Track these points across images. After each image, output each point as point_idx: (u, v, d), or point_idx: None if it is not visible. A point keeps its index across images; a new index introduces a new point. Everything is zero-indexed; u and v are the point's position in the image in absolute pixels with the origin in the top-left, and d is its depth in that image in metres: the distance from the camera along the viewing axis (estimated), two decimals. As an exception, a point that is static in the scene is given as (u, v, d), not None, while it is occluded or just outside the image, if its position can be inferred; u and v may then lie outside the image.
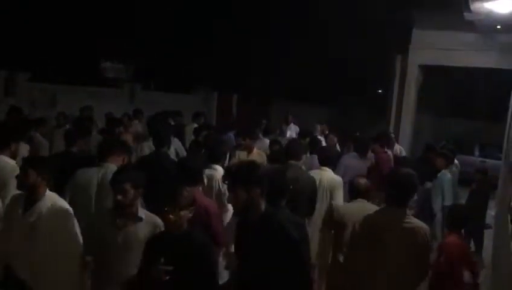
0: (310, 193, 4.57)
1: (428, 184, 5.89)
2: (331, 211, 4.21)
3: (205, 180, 4.40)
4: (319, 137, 8.33)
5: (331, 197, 4.86)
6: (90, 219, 3.53)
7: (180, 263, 2.92)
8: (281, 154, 5.00)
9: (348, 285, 3.46)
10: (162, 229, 3.15)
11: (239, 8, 15.10)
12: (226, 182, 3.00)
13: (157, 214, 3.24)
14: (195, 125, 8.88)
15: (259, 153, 6.40)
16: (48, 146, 6.71)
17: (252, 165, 2.93)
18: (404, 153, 8.62)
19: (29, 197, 3.35)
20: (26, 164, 3.34)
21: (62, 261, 3.29)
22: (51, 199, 3.39)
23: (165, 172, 4.37)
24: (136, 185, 3.21)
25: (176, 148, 6.67)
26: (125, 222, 3.25)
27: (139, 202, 3.35)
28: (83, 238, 3.37)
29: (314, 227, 4.55)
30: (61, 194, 3.67)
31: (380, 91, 18.08)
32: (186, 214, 2.95)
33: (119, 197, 3.16)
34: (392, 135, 9.06)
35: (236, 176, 2.84)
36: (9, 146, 4.26)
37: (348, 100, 16.34)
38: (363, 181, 4.24)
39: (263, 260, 2.76)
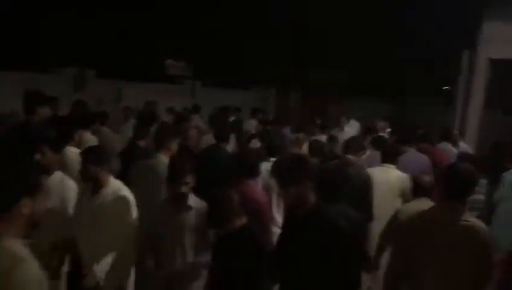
0: (365, 189, 4.47)
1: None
2: (400, 212, 4.06)
3: (262, 174, 4.44)
4: (382, 134, 8.14)
5: (401, 197, 4.73)
6: (146, 208, 3.68)
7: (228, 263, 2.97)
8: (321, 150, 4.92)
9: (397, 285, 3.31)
10: None
11: (301, 6, 15.01)
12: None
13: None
14: (254, 121, 8.97)
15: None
16: (116, 139, 7.01)
17: (301, 159, 2.89)
18: (470, 151, 8.22)
19: (95, 185, 3.55)
20: (84, 159, 3.51)
21: (118, 245, 3.46)
22: (115, 186, 3.58)
23: (221, 166, 4.45)
24: (193, 176, 3.38)
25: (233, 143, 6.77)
26: (178, 211, 3.42)
27: None
28: (139, 226, 3.54)
29: (376, 226, 4.45)
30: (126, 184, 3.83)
31: (446, 88, 17.34)
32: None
33: (181, 189, 3.33)
34: (456, 132, 8.69)
35: (286, 170, 2.82)
36: (72, 137, 4.50)
37: (413, 96, 15.80)
38: (427, 178, 4.07)
39: (312, 253, 2.73)
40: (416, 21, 13.61)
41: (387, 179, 4.69)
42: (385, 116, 11.52)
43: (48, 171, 3.60)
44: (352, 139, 5.22)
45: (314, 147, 5.53)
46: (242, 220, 3.08)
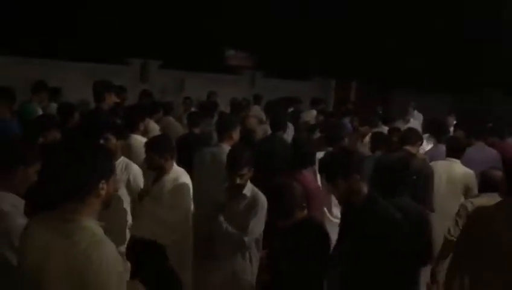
0: (426, 183, 4.34)
1: None
2: (464, 208, 3.92)
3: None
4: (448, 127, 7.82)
5: (466, 192, 4.56)
6: (205, 195, 3.83)
7: (293, 255, 2.99)
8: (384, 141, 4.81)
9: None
10: (265, 206, 3.35)
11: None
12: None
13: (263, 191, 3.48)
14: (313, 111, 8.92)
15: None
16: (181, 128, 7.25)
17: (345, 153, 2.88)
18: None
19: (158, 172, 3.73)
20: (149, 148, 3.67)
21: (175, 229, 3.61)
22: (176, 173, 3.73)
23: (276, 155, 4.50)
24: (250, 168, 3.47)
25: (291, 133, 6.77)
26: (231, 198, 3.55)
27: None
28: (200, 211, 3.72)
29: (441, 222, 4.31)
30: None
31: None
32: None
33: (238, 180, 3.44)
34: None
35: (332, 165, 2.82)
36: (138, 126, 4.70)
37: (486, 89, 14.89)
38: (496, 173, 3.89)
39: (368, 246, 2.70)
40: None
41: (450, 173, 4.53)
42: (454, 109, 11.07)
43: (114, 156, 3.82)
44: (410, 130, 5.09)
45: (376, 139, 5.41)
46: (304, 212, 3.09)
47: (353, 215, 2.82)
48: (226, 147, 4.26)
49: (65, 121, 4.94)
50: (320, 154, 4.60)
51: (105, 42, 12.39)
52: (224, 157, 3.73)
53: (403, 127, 8.02)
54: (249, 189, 3.54)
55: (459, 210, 3.95)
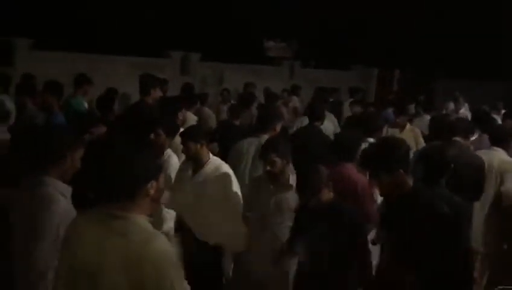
0: (475, 174, 4.20)
1: None
2: (499, 196, 3.84)
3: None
4: (495, 116, 7.52)
5: (502, 181, 4.41)
6: (248, 183, 3.86)
7: (328, 233, 2.99)
8: (441, 131, 4.65)
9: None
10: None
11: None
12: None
13: None
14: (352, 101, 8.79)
15: (412, 130, 6.12)
16: (215, 118, 7.34)
17: (388, 146, 2.77)
18: None
19: (196, 163, 3.74)
20: (184, 137, 3.70)
21: (226, 216, 3.62)
22: (216, 163, 3.76)
23: (315, 145, 4.48)
24: (283, 155, 3.45)
25: (332, 124, 6.71)
26: (277, 188, 3.53)
27: (290, 169, 3.55)
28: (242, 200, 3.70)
29: (479, 213, 4.20)
30: (225, 161, 4.00)
31: None
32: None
33: (268, 167, 3.46)
34: None
35: (375, 160, 2.74)
36: (177, 116, 4.79)
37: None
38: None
39: (414, 238, 2.65)
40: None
41: (490, 163, 4.37)
42: (504, 97, 10.65)
43: (162, 152, 3.91)
44: (460, 120, 4.92)
45: (436, 126, 5.07)
46: (330, 195, 3.07)
47: (397, 209, 2.75)
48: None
49: (105, 114, 5.04)
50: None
51: (146, 35, 12.66)
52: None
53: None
54: (293, 179, 3.48)
55: (494, 200, 3.85)
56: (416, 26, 14.61)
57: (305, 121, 6.14)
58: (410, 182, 2.71)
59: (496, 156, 4.48)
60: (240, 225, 3.67)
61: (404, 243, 2.68)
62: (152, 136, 3.89)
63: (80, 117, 4.67)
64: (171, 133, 4.04)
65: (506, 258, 3.52)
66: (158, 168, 2.06)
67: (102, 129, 4.23)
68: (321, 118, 5.41)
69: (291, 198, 3.46)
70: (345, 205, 3.11)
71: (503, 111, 9.02)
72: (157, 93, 5.03)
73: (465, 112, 9.69)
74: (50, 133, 2.76)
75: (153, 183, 1.99)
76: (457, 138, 4.42)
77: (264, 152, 3.50)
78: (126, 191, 1.94)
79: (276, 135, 4.21)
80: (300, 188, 3.14)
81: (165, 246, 1.90)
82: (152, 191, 1.98)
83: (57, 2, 12.45)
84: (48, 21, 11.80)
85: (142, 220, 1.95)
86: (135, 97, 5.53)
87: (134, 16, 13.12)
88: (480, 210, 4.16)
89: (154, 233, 1.93)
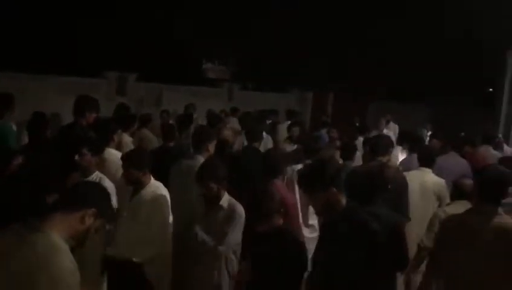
0: (399, 192, 4.40)
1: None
2: (436, 217, 4.00)
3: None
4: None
5: (440, 203, 4.63)
6: (182, 207, 3.81)
7: (270, 260, 3.00)
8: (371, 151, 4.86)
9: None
10: (243, 216, 3.41)
11: (329, 12, 14.92)
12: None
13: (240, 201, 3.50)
14: (289, 123, 8.99)
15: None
16: (156, 140, 7.18)
17: (322, 165, 2.89)
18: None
19: (136, 187, 3.68)
20: (126, 164, 3.62)
21: (152, 245, 3.57)
22: (154, 187, 3.70)
23: (252, 165, 4.54)
24: (218, 181, 3.49)
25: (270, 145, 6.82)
26: (209, 209, 3.58)
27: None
28: (177, 223, 3.69)
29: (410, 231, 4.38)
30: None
31: (490, 90, 16.72)
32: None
33: (204, 191, 3.50)
34: (500, 136, 8.40)
35: (310, 178, 2.83)
36: (112, 139, 4.65)
37: (456, 99, 15.30)
38: (468, 182, 3.97)
39: (349, 256, 2.73)
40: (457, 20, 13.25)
41: (422, 182, 4.60)
42: (427, 119, 11.32)
43: (86, 172, 3.78)
44: (378, 139, 5.07)
45: (347, 149, 5.47)
46: (280, 220, 3.11)
47: (332, 227, 2.84)
48: (202, 159, 4.28)
49: (36, 138, 4.81)
50: (298, 167, 4.69)
51: (82, 55, 12.32)
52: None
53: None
54: (225, 200, 3.57)
55: (431, 219, 4.02)
56: (352, 51, 15.29)
57: (244, 141, 6.22)
58: (344, 200, 2.80)
59: (429, 178, 4.72)
60: (166, 246, 3.66)
61: (336, 260, 2.75)
62: (77, 157, 3.76)
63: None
64: (97, 152, 3.93)
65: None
66: (99, 204, 2.15)
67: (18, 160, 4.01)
68: (259, 139, 5.50)
69: (221, 219, 3.51)
70: (288, 231, 3.15)
71: (429, 133, 9.58)
72: (92, 118, 4.87)
73: (389, 132, 10.16)
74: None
75: (91, 215, 2.09)
76: (379, 157, 4.59)
77: (201, 178, 3.52)
78: (40, 208, 2.10)
79: (211, 157, 4.19)
80: (253, 210, 3.17)
81: (66, 263, 1.97)
82: (88, 222, 2.09)
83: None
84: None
85: (57, 237, 2.01)
86: (67, 118, 5.33)
87: (69, 35, 12.74)
88: (415, 228, 4.29)
89: (61, 248, 1.99)
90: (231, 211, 3.53)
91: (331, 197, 2.75)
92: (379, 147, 4.58)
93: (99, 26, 13.16)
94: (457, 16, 13.43)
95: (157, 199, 3.65)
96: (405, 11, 14.47)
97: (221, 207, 3.55)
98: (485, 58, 13.23)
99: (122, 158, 3.75)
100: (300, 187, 3.26)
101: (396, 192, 4.24)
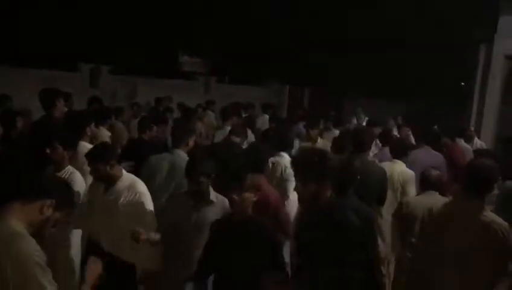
0: (378, 184, 4.46)
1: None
2: (401, 205, 4.13)
3: (270, 166, 4.57)
4: (393, 130, 8.09)
5: (403, 191, 4.74)
6: (163, 202, 3.76)
7: (242, 247, 3.01)
8: (346, 144, 4.90)
9: (414, 279, 3.34)
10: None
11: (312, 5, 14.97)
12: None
13: (225, 196, 3.44)
14: (266, 116, 9.01)
15: (323, 143, 6.40)
16: (125, 135, 7.10)
17: (324, 157, 2.84)
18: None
19: (107, 181, 3.58)
20: (91, 159, 3.51)
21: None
22: (129, 179, 3.63)
23: (233, 159, 4.52)
24: (209, 175, 3.41)
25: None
26: (200, 205, 3.47)
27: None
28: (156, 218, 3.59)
29: (385, 221, 4.47)
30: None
31: (462, 84, 17.07)
32: (250, 196, 3.03)
33: (196, 187, 3.39)
34: (472, 129, 8.61)
35: (309, 167, 2.77)
36: (85, 132, 4.57)
37: (428, 94, 15.59)
38: (434, 173, 4.11)
39: (327, 249, 2.76)
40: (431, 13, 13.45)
41: (391, 174, 4.71)
42: (401, 113, 11.48)
43: (58, 167, 3.70)
44: (360, 131, 5.12)
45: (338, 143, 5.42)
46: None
47: (315, 219, 2.84)
48: (182, 153, 4.26)
49: (8, 130, 4.71)
50: (272, 159, 4.69)
51: (54, 48, 12.03)
52: (182, 164, 3.66)
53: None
54: (214, 195, 3.51)
55: (396, 209, 4.13)
56: (329, 47, 15.36)
57: (223, 134, 6.20)
58: (328, 192, 2.80)
59: (397, 168, 4.82)
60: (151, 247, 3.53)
61: (319, 253, 2.78)
62: (48, 150, 3.66)
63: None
64: (70, 147, 3.82)
65: (405, 263, 3.75)
66: (57, 196, 2.17)
67: None
68: (242, 133, 5.54)
69: (212, 214, 3.43)
70: (262, 221, 3.15)
71: (400, 123, 9.76)
72: (62, 105, 4.79)
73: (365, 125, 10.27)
74: None
75: (49, 206, 2.13)
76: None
77: (192, 172, 3.41)
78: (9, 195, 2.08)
79: (199, 152, 4.13)
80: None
81: (29, 246, 1.99)
82: (47, 213, 2.12)
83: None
84: None
85: (14, 222, 2.02)
86: (39, 111, 5.21)
87: (41, 27, 12.41)
88: (384, 219, 4.43)
89: (19, 235, 2.00)
90: (221, 206, 3.48)
91: (324, 189, 2.75)
92: (365, 143, 4.63)
93: (72, 17, 12.87)
94: (429, 11, 13.64)
95: (136, 195, 3.55)
96: (379, 7, 14.61)
97: (211, 202, 3.48)
98: (456, 54, 13.49)
99: (85, 156, 3.60)
100: (295, 175, 3.17)
101: (370, 184, 4.31)
